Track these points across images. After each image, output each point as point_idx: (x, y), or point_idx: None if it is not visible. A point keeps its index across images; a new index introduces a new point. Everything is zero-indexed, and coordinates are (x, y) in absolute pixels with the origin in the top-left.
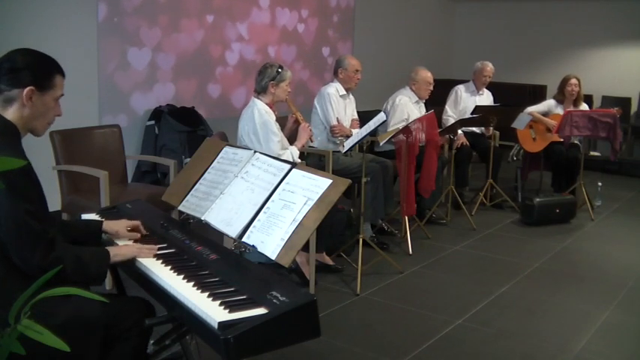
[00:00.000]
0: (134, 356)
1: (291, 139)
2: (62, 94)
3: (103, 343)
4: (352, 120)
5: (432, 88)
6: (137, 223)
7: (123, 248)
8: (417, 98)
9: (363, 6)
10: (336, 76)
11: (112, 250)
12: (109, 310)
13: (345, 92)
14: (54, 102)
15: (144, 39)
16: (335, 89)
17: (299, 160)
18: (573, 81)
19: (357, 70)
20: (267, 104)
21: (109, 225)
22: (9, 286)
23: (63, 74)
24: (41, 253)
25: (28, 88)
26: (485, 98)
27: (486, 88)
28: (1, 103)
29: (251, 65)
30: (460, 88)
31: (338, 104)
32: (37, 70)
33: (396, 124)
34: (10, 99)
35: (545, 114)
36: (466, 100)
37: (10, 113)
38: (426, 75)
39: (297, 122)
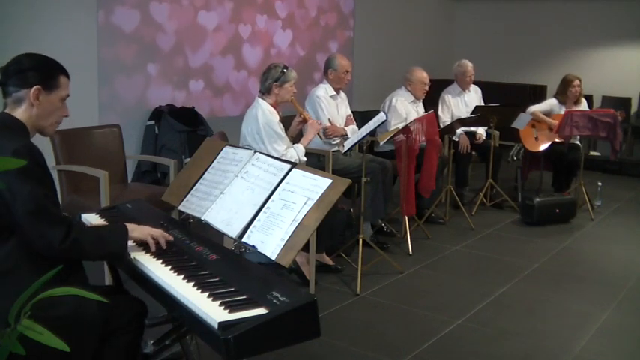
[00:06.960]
0: (127, 351)
1: (297, 139)
2: (68, 95)
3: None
4: (347, 117)
5: (427, 88)
6: None
7: (141, 227)
8: (414, 98)
9: (363, 6)
10: (325, 76)
11: (130, 226)
12: (106, 308)
13: (334, 92)
14: (60, 102)
15: (144, 39)
16: (324, 90)
17: (304, 159)
18: (576, 82)
19: (347, 71)
20: (270, 104)
21: None
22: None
23: (67, 75)
24: (61, 235)
25: (35, 87)
26: (474, 93)
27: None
28: (11, 104)
29: (251, 66)
30: (446, 96)
31: (329, 105)
32: (42, 70)
33: (396, 124)
34: (19, 99)
35: (548, 113)
36: (456, 104)
37: (20, 113)
38: (421, 75)
39: (303, 122)
